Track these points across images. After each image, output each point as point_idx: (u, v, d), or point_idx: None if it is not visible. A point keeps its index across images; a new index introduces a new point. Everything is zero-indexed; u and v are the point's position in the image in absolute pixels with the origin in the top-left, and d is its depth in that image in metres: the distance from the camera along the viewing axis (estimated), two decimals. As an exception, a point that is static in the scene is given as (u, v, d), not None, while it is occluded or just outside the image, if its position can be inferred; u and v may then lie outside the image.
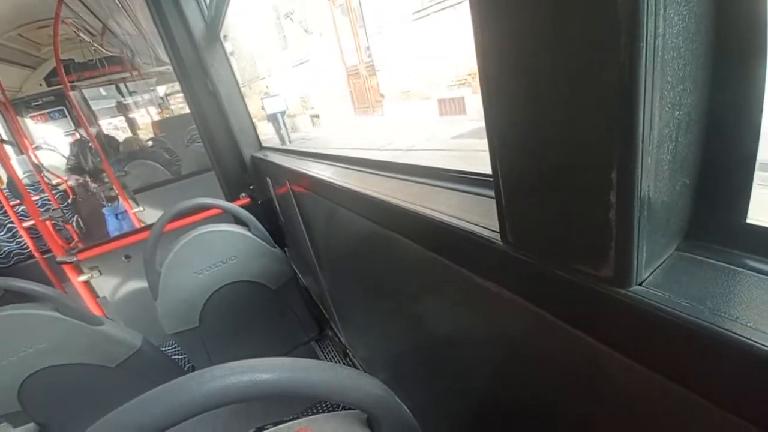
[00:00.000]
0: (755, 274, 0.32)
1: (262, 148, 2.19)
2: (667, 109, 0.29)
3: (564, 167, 0.35)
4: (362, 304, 1.34)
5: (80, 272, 1.96)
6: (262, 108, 7.86)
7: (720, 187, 0.34)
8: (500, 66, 0.37)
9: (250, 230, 1.66)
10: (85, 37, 4.12)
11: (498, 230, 0.47)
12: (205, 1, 1.84)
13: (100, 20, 3.66)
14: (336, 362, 1.94)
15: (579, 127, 0.32)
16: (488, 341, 0.64)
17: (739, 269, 0.33)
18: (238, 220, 1.72)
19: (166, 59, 2.49)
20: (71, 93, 3.75)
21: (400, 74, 8.38)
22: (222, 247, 1.59)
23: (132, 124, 6.01)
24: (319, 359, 1.98)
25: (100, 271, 2.02)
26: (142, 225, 3.17)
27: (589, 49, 0.28)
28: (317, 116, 12.49)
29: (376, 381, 0.48)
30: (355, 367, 1.78)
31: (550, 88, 0.33)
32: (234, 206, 1.69)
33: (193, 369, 1.70)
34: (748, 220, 0.33)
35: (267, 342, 1.83)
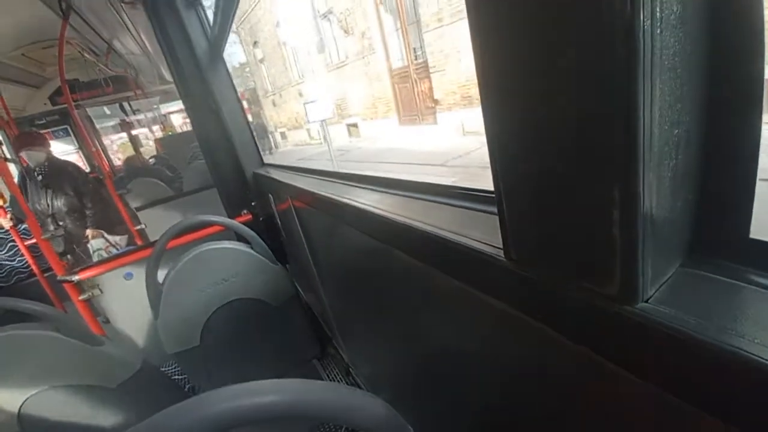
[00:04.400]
0: (760, 289, 0.32)
1: (263, 164, 2.20)
2: (667, 127, 0.29)
3: (566, 185, 0.35)
4: (364, 321, 1.33)
5: (81, 291, 1.96)
6: (305, 115, 7.13)
7: (722, 202, 0.34)
8: (500, 85, 0.37)
9: (251, 247, 1.66)
10: (89, 57, 4.19)
11: (501, 247, 0.47)
12: (209, 21, 1.88)
13: (104, 40, 3.73)
14: (338, 381, 1.91)
15: (580, 145, 0.32)
16: (492, 358, 0.64)
17: (744, 285, 0.32)
18: (239, 237, 1.73)
19: (170, 78, 2.53)
20: (75, 112, 3.81)
21: (465, 73, 7.14)
22: (224, 264, 1.59)
23: (135, 142, 6.07)
24: (322, 378, 1.96)
25: (101, 290, 2.01)
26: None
27: (588, 70, 0.29)
28: (355, 125, 11.29)
29: (380, 401, 0.47)
30: (358, 385, 1.75)
31: (550, 106, 0.33)
32: (235, 223, 1.69)
33: (194, 390, 1.68)
34: (752, 235, 0.33)
35: (268, 361, 1.80)
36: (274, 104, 16.94)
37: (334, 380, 1.94)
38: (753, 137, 0.30)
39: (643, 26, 0.25)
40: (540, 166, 0.37)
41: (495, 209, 0.45)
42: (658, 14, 0.26)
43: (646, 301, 0.33)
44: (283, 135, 16.85)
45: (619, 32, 0.26)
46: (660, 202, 0.31)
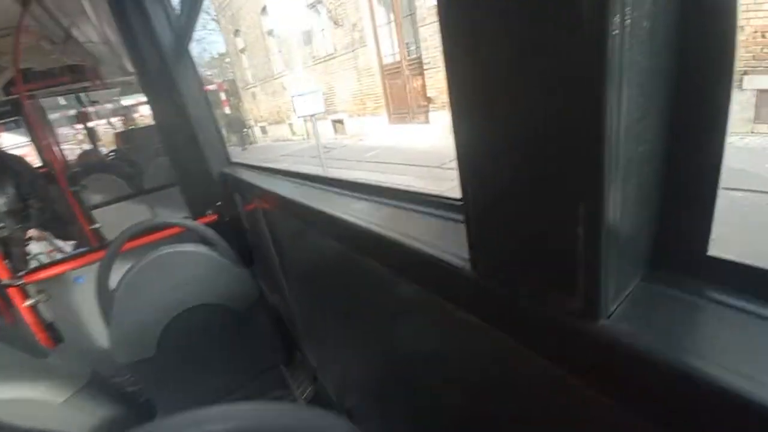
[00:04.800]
0: (718, 306, 0.32)
1: (230, 163, 2.13)
2: (632, 144, 0.29)
3: (532, 198, 0.34)
4: (332, 326, 1.30)
5: (27, 296, 1.81)
6: (293, 109, 6.46)
7: (682, 219, 0.34)
8: (468, 95, 0.37)
9: (215, 249, 1.59)
10: (46, 46, 3.94)
11: (468, 258, 0.46)
12: (175, 12, 1.80)
13: (63, 28, 3.52)
14: (304, 388, 1.86)
15: (547, 159, 0.32)
16: (458, 367, 0.63)
17: (703, 302, 0.33)
18: (203, 239, 1.65)
19: (131, 69, 2.41)
20: (28, 102, 3.56)
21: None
22: (184, 268, 1.50)
23: (92, 135, 5.74)
24: (287, 385, 1.91)
25: (48, 295, 1.87)
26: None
27: (557, 82, 0.29)
28: (340, 122, 10.73)
29: (343, 423, 0.45)
30: (325, 391, 1.72)
31: (517, 118, 0.33)
32: (198, 225, 1.61)
33: (149, 402, 1.58)
34: (710, 252, 0.33)
35: (231, 369, 1.73)
36: (254, 97, 16.28)
37: (300, 387, 1.89)
38: (715, 156, 0.30)
39: (613, 40, 0.25)
40: (506, 180, 0.36)
41: (462, 217, 0.45)
42: (628, 28, 0.26)
43: (608, 317, 0.33)
44: (263, 130, 16.24)
45: (589, 45, 0.25)
46: (624, 218, 0.31)
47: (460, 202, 0.44)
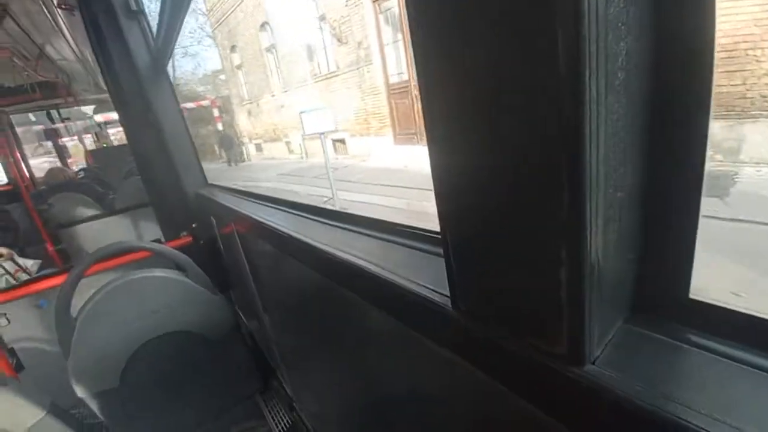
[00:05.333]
0: (700, 351, 0.32)
1: (207, 185, 2.08)
2: (611, 190, 0.29)
3: (514, 241, 0.34)
4: (310, 355, 1.26)
5: (-15, 321, 1.69)
6: (301, 126, 6.05)
7: (663, 263, 0.34)
8: (447, 137, 0.36)
9: (187, 275, 1.53)
10: (18, 62, 3.83)
11: (449, 295, 0.45)
12: (152, 33, 1.78)
13: (36, 45, 3.43)
14: (281, 417, 1.78)
15: (528, 201, 0.31)
16: (438, 404, 0.62)
17: (686, 346, 0.33)
18: (176, 264, 1.59)
19: (105, 87, 2.36)
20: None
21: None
22: (153, 294, 1.43)
23: (61, 152, 5.54)
24: (263, 415, 1.82)
25: (8, 319, 1.75)
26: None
27: (536, 129, 0.28)
28: (342, 141, 10.36)
29: None
30: (302, 421, 1.64)
31: (498, 163, 0.33)
32: (169, 249, 1.55)
33: None
34: (691, 296, 0.33)
35: (203, 400, 1.64)
36: (250, 114, 16.04)
37: (275, 417, 1.81)
38: (693, 201, 0.31)
39: (590, 91, 0.25)
40: (486, 221, 0.36)
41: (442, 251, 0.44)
42: (603, 80, 0.26)
43: (593, 363, 0.33)
44: (258, 147, 15.95)
45: (568, 98, 0.25)
46: (606, 263, 0.31)
47: (440, 235, 0.43)
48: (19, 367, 1.77)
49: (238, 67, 15.87)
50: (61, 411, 1.30)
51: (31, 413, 1.21)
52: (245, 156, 16.19)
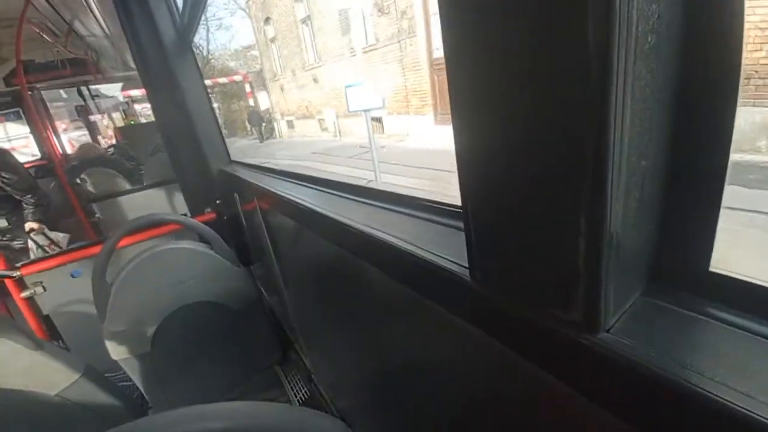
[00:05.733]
0: (718, 323, 0.32)
1: (231, 162, 2.13)
2: (634, 159, 0.29)
3: (535, 210, 0.34)
4: (328, 328, 1.30)
5: (23, 288, 1.80)
6: (346, 102, 5.38)
7: (683, 234, 0.34)
8: (472, 105, 0.36)
9: (213, 248, 1.59)
10: (47, 38, 3.93)
11: (467, 266, 0.46)
12: (178, 9, 1.80)
13: (65, 21, 3.51)
14: (299, 388, 1.86)
15: (549, 171, 0.31)
16: (454, 376, 0.63)
17: (703, 318, 0.33)
18: (201, 237, 1.65)
19: (133, 65, 2.41)
20: (28, 94, 3.55)
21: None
22: (181, 265, 1.50)
23: (92, 129, 5.73)
24: (282, 385, 1.90)
25: (44, 288, 1.86)
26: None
27: (561, 97, 0.28)
28: (377, 120, 9.49)
29: (337, 423, 0.45)
30: (319, 393, 1.71)
31: (520, 130, 0.33)
32: (196, 223, 1.61)
33: (143, 398, 1.58)
34: (711, 269, 0.33)
35: (226, 368, 1.72)
36: (282, 89, 15.58)
37: (294, 388, 1.89)
38: (718, 172, 0.30)
39: (618, 56, 0.25)
40: (507, 190, 0.36)
41: (463, 225, 0.44)
42: (633, 44, 0.25)
43: (608, 331, 0.33)
44: (290, 124, 15.56)
45: (595, 61, 0.25)
46: (625, 232, 0.31)
47: (461, 210, 0.43)
48: (53, 332, 1.89)
49: (272, 40, 15.36)
50: (96, 373, 1.40)
51: (67, 375, 1.30)
52: (277, 133, 16.00)
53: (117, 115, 7.35)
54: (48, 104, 5.35)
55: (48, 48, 4.20)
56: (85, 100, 5.68)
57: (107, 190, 3.49)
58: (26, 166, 4.75)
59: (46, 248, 2.61)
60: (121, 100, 7.04)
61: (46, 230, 2.85)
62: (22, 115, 5.47)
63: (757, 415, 0.24)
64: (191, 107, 1.93)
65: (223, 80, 14.17)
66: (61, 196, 3.73)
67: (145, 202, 3.19)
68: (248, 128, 15.84)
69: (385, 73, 9.29)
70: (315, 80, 12.90)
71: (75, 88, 5.47)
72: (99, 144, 5.68)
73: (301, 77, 14.05)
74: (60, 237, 2.95)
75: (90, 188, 3.62)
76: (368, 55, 9.90)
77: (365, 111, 5.33)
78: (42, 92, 4.90)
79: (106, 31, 3.63)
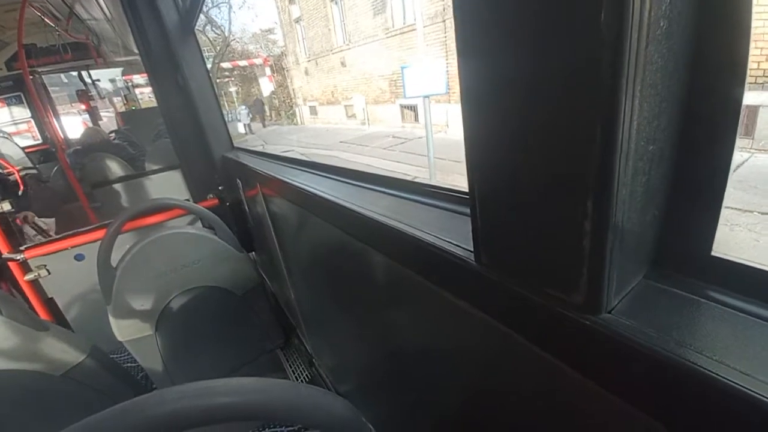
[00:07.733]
0: (719, 306, 0.33)
1: (233, 148, 2.12)
2: (643, 143, 0.30)
3: (541, 194, 0.35)
4: (330, 313, 1.31)
5: (27, 271, 1.82)
6: (402, 85, 4.62)
7: (688, 219, 0.34)
8: (481, 88, 0.37)
9: (216, 233, 1.60)
10: (49, 22, 3.89)
11: (472, 250, 0.46)
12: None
13: (66, 4, 3.47)
14: (301, 372, 1.89)
15: (557, 156, 0.32)
16: (457, 359, 0.64)
17: (704, 301, 0.33)
18: (204, 222, 1.66)
19: (135, 49, 2.39)
20: (30, 78, 3.52)
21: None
22: (185, 250, 1.51)
23: (93, 114, 5.69)
24: (284, 368, 1.93)
25: (48, 271, 1.88)
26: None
27: (572, 80, 0.29)
28: (410, 108, 8.92)
29: (341, 400, 0.46)
30: (321, 377, 1.74)
31: (528, 113, 0.33)
32: (200, 208, 1.62)
33: (147, 379, 1.61)
34: (714, 253, 0.34)
35: (229, 351, 1.75)
36: (306, 73, 14.67)
37: (296, 371, 1.92)
38: (724, 159, 0.31)
39: (630, 39, 0.25)
40: (514, 174, 0.36)
41: (468, 210, 0.45)
42: (645, 29, 0.26)
43: (610, 312, 0.34)
44: (312, 110, 14.67)
45: (606, 45, 0.25)
46: (630, 216, 0.32)
47: (467, 196, 0.44)
48: (58, 314, 1.92)
49: (297, 20, 14.44)
50: (101, 354, 1.42)
51: (72, 356, 1.32)
52: (298, 119, 15.44)
53: (118, 100, 7.31)
54: (49, 89, 5.31)
55: (50, 32, 4.16)
56: (85, 84, 5.64)
57: (109, 176, 3.48)
58: (28, 150, 4.77)
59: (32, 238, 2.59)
60: (123, 85, 6.98)
61: (36, 218, 2.82)
62: (24, 100, 5.45)
63: (755, 392, 0.25)
64: (194, 92, 1.92)
65: (243, 63, 13.85)
66: (63, 181, 3.74)
67: (146, 188, 3.19)
68: (267, 113, 15.44)
69: (426, 56, 8.37)
70: (342, 64, 12.14)
71: (76, 73, 5.43)
72: (100, 129, 5.65)
73: (328, 60, 13.20)
74: (50, 223, 2.91)
75: (93, 173, 3.61)
76: (405, 36, 9.12)
77: (425, 97, 4.58)
78: (43, 77, 4.86)
79: (107, 14, 3.58)
